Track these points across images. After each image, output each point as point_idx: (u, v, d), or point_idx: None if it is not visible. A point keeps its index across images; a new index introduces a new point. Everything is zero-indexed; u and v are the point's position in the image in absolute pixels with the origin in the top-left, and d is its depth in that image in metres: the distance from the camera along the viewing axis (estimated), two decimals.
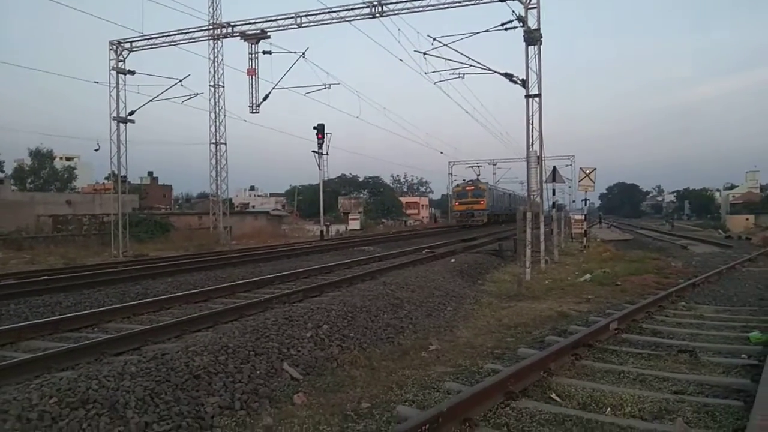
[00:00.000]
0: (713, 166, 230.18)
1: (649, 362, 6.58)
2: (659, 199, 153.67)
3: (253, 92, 26.24)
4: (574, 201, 59.33)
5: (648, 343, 7.46)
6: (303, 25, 23.51)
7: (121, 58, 26.27)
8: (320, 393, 5.79)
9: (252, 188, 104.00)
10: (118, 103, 25.99)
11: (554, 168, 22.83)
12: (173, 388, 5.35)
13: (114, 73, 26.05)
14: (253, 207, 73.80)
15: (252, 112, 26.72)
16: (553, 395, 5.39)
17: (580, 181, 23.20)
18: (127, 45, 26.27)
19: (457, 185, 53.63)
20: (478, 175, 56.63)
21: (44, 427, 4.33)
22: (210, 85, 31.20)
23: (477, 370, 6.36)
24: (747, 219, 59.63)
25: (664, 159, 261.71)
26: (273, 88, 26.18)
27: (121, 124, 26.11)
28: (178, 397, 5.23)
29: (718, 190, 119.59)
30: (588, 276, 14.94)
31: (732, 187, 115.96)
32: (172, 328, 7.87)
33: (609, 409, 5.02)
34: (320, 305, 9.05)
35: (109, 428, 4.52)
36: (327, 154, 34.35)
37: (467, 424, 4.53)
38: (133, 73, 26.25)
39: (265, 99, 26.33)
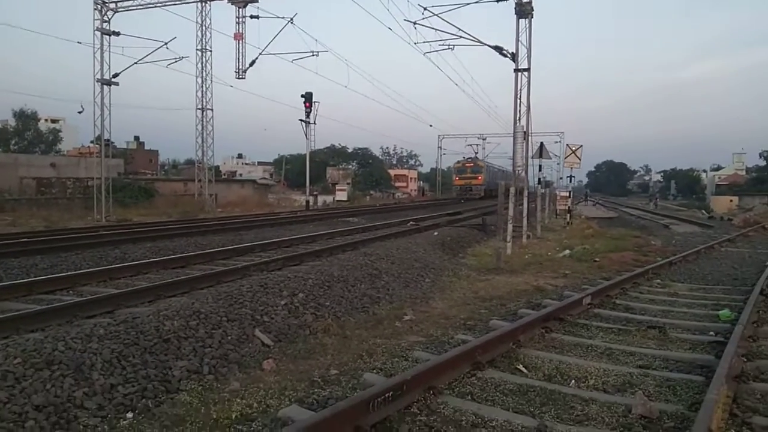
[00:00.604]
0: (701, 147, 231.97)
1: (618, 337, 6.67)
2: (646, 178, 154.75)
3: (240, 57, 25.90)
4: (561, 178, 59.75)
5: (619, 319, 7.55)
6: None
7: (105, 18, 25.73)
8: (290, 359, 5.82)
9: (240, 156, 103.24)
10: (102, 65, 25.57)
11: (541, 144, 22.77)
12: (141, 351, 5.35)
13: (98, 33, 25.54)
14: (241, 175, 73.46)
15: (238, 78, 26.45)
16: (520, 366, 5.45)
17: (566, 157, 23.22)
18: (112, 5, 25.75)
19: (458, 162, 56.90)
20: (476, 153, 59.50)
21: (7, 387, 4.31)
22: (197, 49, 30.65)
23: (447, 340, 6.41)
24: (731, 200, 60.36)
25: (653, 138, 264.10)
26: (260, 53, 25.92)
27: (105, 87, 25.72)
28: (146, 360, 5.24)
29: (704, 171, 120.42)
30: (568, 252, 15.04)
31: (719, 168, 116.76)
32: (147, 293, 7.83)
33: (573, 381, 5.09)
34: (298, 274, 9.06)
35: (74, 389, 4.52)
36: (315, 123, 34.07)
37: (431, 392, 4.58)
38: (117, 34, 25.79)
39: (251, 64, 26.04)
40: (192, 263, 10.97)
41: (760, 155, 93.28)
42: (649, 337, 6.66)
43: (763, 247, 17.71)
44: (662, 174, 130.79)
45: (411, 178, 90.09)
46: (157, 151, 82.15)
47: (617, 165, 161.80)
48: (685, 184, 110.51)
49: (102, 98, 25.63)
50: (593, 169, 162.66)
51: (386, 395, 4.15)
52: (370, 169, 77.70)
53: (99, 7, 25.37)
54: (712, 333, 6.89)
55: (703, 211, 49.16)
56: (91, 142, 33.74)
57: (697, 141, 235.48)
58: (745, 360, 5.61)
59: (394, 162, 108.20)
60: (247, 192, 44.97)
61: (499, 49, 18.64)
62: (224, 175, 73.77)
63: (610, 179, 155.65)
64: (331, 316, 7.45)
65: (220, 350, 5.77)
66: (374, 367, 5.40)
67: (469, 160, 55.59)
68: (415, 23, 19.46)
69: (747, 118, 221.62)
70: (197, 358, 5.52)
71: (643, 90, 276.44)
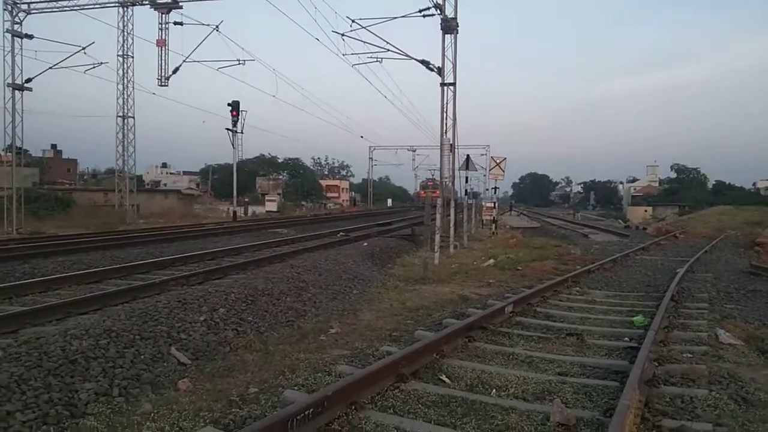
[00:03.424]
0: (618, 159, 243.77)
1: (538, 344, 6.79)
2: (567, 189, 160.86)
3: (163, 64, 25.09)
4: (487, 189, 61.63)
5: (540, 326, 7.72)
6: None
7: (17, 20, 24.35)
8: (207, 378, 5.57)
9: (164, 165, 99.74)
10: (13, 69, 24.18)
11: (467, 156, 23.22)
12: (45, 374, 4.98)
13: (9, 35, 24.13)
14: (165, 185, 71.07)
15: (161, 85, 25.62)
16: (443, 377, 5.44)
17: (490, 169, 23.78)
18: (24, 6, 24.41)
19: (422, 181, 71.77)
20: (432, 174, 70.63)
21: None
22: (118, 55, 29.42)
23: (372, 352, 6.33)
24: (645, 210, 63.86)
25: (573, 151, 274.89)
26: (184, 60, 25.23)
27: (16, 92, 24.29)
28: (50, 384, 4.87)
29: (621, 183, 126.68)
30: (492, 261, 15.35)
31: (634, 180, 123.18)
32: (56, 310, 7.37)
33: (494, 390, 5.12)
34: (220, 288, 8.75)
35: None
36: (242, 132, 33.29)
37: (353, 407, 4.48)
38: (31, 37, 24.45)
39: (175, 72, 25.29)
40: (107, 278, 10.43)
41: (672, 168, 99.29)
42: (568, 344, 6.82)
43: (674, 255, 18.70)
44: (582, 185, 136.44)
45: (343, 189, 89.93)
46: (76, 159, 77.96)
47: (540, 177, 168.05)
48: (604, 195, 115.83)
49: (13, 104, 24.21)
50: (518, 181, 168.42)
51: (306, 413, 4.01)
52: (301, 179, 77.04)
53: (9, 7, 23.99)
54: (626, 339, 7.13)
55: (620, 221, 51.62)
56: (3, 150, 31.95)
57: (614, 154, 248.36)
58: (657, 364, 5.82)
59: (326, 172, 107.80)
60: (171, 202, 43.53)
61: (425, 64, 18.94)
62: (147, 184, 71.16)
63: (534, 190, 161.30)
64: (253, 332, 7.22)
65: (132, 370, 5.45)
66: (296, 384, 5.24)
67: (431, 180, 69.21)
68: (343, 35, 19.48)
69: (660, 133, 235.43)
70: (107, 380, 5.18)
71: (564, 105, 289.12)
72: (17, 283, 9.51)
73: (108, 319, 6.43)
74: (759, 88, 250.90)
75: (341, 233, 22.25)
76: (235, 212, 34.84)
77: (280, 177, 75.30)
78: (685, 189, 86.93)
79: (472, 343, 6.62)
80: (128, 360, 5.61)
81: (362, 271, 12.84)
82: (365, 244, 18.06)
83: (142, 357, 5.76)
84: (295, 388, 5.10)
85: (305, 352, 6.52)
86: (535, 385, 5.24)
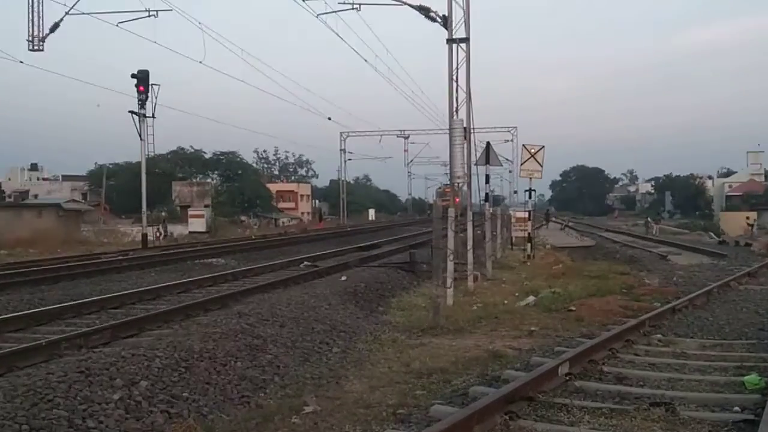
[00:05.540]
0: (705, 144, 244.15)
1: (610, 421, 6.89)
2: (632, 189, 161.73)
3: (35, 18, 25.11)
4: (515, 191, 62.15)
5: (610, 394, 7.82)
6: None
7: None
8: None
9: (34, 167, 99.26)
10: None
11: (488, 144, 23.32)
12: None
13: None
14: (36, 196, 70.52)
15: (33, 49, 25.55)
16: None
17: (522, 163, 24.00)
18: None
19: (439, 187, 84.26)
20: (447, 175, 76.57)
21: None
22: None
23: None
24: (747, 217, 63.44)
25: (639, 134, 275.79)
26: (66, 13, 25.19)
27: None
28: None
29: (710, 178, 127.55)
30: (531, 299, 15.51)
31: (729, 173, 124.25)
32: None
33: None
34: (137, 350, 8.81)
35: None
36: (153, 116, 33.50)
37: None
38: None
39: (53, 30, 25.27)
40: None
41: None
42: (653, 419, 6.92)
43: None
44: (653, 183, 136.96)
45: (302, 196, 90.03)
46: None
47: (591, 171, 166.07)
48: (685, 197, 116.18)
49: None
50: (559, 178, 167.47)
51: None
52: (239, 183, 77.08)
53: None
54: (737, 408, 7.26)
55: (712, 234, 51.92)
56: None
57: (698, 137, 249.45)
58: None
59: (276, 172, 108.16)
60: (47, 223, 43.37)
61: (425, 11, 19.11)
62: (9, 196, 70.65)
63: (582, 191, 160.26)
64: (193, 414, 7.28)
65: None
66: None
67: (447, 186, 72.47)
68: None
69: (765, 105, 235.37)
70: None
71: (623, 67, 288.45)
72: None
73: None
74: None
75: (306, 263, 22.35)
76: (145, 235, 34.82)
77: (209, 180, 75.33)
78: None
79: (514, 421, 6.71)
80: None
81: (343, 318, 12.94)
82: (343, 278, 18.17)
83: None
84: None
85: None
86: None
